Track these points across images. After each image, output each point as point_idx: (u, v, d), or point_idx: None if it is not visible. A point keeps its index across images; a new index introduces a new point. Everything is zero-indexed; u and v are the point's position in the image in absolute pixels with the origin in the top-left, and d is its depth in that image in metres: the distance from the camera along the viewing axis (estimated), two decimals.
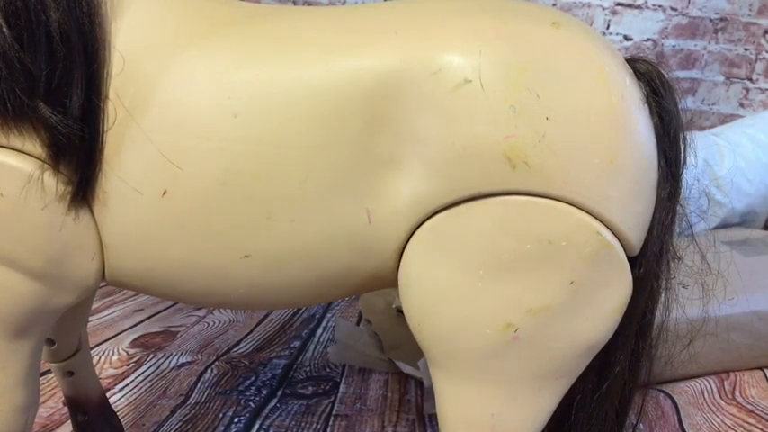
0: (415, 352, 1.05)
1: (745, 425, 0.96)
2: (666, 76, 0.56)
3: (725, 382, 1.08)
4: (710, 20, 1.65)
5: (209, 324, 1.32)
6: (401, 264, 0.54)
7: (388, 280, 0.57)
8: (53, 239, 0.53)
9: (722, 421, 0.96)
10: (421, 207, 0.51)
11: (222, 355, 1.17)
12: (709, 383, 1.08)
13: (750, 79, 1.71)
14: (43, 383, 1.02)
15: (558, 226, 0.49)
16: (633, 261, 0.53)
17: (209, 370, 1.11)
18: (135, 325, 1.30)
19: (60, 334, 0.78)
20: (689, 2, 1.63)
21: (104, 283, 0.60)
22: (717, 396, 1.04)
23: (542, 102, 0.48)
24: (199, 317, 1.35)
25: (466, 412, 0.55)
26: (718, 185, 1.32)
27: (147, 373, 1.10)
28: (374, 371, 1.13)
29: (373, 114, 0.50)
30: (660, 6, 1.62)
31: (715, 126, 1.63)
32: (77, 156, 0.51)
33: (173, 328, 1.29)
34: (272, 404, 1.01)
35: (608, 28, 1.62)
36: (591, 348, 0.54)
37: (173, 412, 0.98)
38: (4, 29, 0.49)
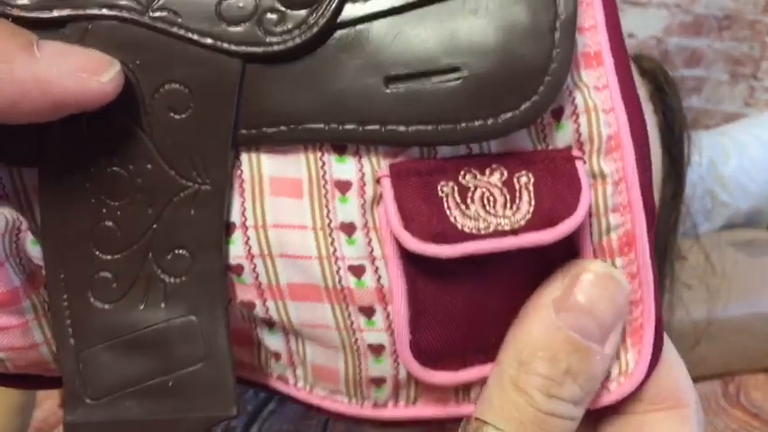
0: None
1: (750, 428, 0.94)
2: (670, 74, 0.55)
3: (729, 386, 1.07)
4: (715, 17, 1.63)
5: None
6: None
7: None
8: None
9: (727, 425, 0.95)
10: None
11: None
12: (714, 387, 1.07)
13: (755, 77, 1.70)
14: None
15: None
16: None
17: None
18: None
19: None
20: None
21: None
22: (721, 399, 1.03)
23: None
24: None
25: None
26: (723, 185, 1.30)
27: None
28: None
29: None
30: (664, 4, 1.60)
31: (719, 125, 1.62)
32: None
33: None
34: (270, 407, 1.00)
35: None
36: None
37: None
38: None
